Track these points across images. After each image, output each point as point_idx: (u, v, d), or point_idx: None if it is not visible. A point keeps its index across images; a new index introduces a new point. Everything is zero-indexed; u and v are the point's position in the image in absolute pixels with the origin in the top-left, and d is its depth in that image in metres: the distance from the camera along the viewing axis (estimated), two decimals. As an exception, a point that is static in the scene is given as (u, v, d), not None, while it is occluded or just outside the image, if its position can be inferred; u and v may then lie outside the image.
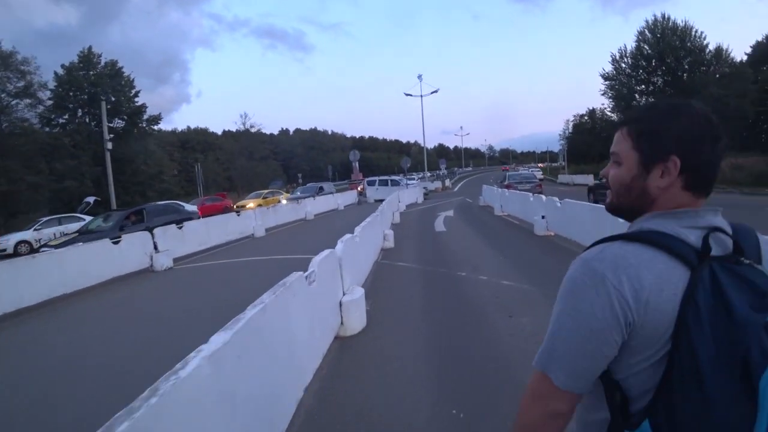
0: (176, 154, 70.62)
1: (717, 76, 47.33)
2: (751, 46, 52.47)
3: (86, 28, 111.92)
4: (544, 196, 11.11)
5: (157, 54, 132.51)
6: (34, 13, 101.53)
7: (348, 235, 6.16)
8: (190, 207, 15.79)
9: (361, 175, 26.85)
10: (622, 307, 0.73)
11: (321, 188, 23.85)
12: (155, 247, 10.44)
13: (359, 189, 28.66)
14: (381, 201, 17.07)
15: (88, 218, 15.62)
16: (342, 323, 4.75)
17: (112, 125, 33.36)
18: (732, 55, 50.14)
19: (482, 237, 11.33)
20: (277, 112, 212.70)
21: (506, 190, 15.65)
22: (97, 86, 34.83)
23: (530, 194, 12.15)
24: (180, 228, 11.81)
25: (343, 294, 4.94)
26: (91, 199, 19.21)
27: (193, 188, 55.19)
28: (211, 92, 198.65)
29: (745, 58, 51.74)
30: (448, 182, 42.43)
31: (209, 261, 11.18)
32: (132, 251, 10.06)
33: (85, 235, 11.82)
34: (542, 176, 22.35)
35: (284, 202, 20.69)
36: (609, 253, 0.78)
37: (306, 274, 3.83)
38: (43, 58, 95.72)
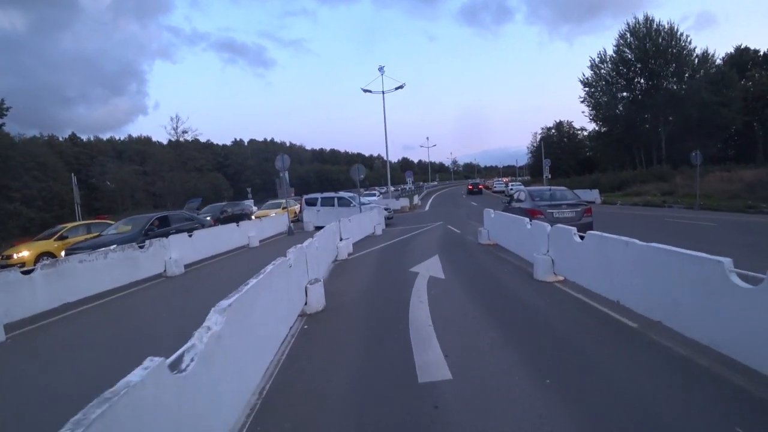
0: (109, 165, 58.94)
1: (706, 82, 41.22)
2: (721, 58, 46.31)
3: (35, 35, 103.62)
4: None
5: (112, 64, 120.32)
6: None
7: None
8: None
9: (292, 190, 17.56)
10: None
11: (152, 226, 11.38)
12: None
13: (295, 210, 19.41)
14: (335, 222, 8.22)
15: None
16: None
17: None
18: (717, 61, 44.46)
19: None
20: (237, 125, 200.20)
21: (558, 225, 6.84)
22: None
23: None
24: None
25: None
26: None
27: (106, 206, 44.02)
28: (169, 104, 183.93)
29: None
30: (416, 199, 33.56)
31: None
32: None
33: None
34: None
35: (63, 255, 9.61)
36: None
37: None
38: None
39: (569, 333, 4.63)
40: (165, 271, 10.09)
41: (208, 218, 15.57)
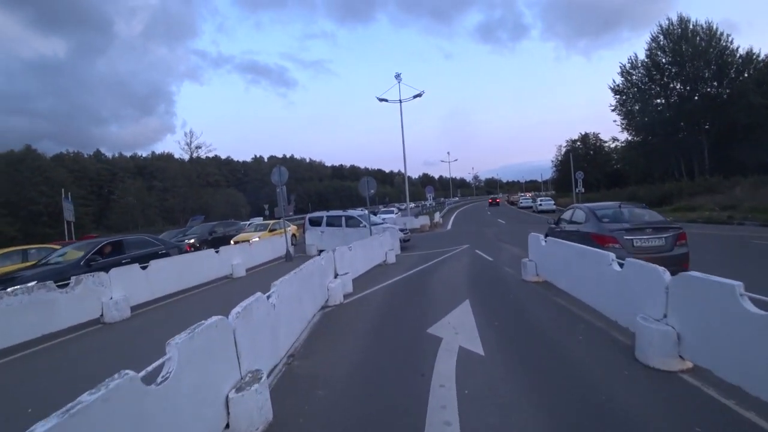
0: (127, 181, 58.11)
1: (753, 84, 36.96)
2: (762, 60, 41.08)
3: (74, 59, 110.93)
4: None
5: (142, 86, 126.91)
6: (23, 45, 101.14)
7: None
8: None
9: (291, 209, 14.89)
10: None
11: (97, 255, 8.65)
12: None
13: (294, 231, 16.73)
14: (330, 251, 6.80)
15: None
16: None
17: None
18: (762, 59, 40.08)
19: None
20: (259, 142, 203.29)
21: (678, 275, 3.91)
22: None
23: None
24: None
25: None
26: None
27: (119, 222, 42.52)
28: (196, 123, 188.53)
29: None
30: (438, 217, 30.45)
31: None
32: None
33: None
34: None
35: None
36: None
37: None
38: (30, 86, 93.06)
39: None
40: (102, 315, 7.48)
41: (192, 240, 12.99)
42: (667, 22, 41.08)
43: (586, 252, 5.68)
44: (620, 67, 44.84)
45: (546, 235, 8.45)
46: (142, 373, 2.29)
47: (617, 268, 4.86)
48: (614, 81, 45.28)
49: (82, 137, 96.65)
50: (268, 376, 4.04)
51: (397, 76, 27.86)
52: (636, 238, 6.82)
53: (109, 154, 72.62)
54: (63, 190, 19.88)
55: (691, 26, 39.71)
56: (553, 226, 9.88)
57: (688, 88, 40.74)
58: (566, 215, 9.45)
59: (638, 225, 7.06)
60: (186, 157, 55.92)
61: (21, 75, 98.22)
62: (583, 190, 32.40)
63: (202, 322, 2.96)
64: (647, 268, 4.20)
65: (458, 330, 5.28)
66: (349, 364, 4.53)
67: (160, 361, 2.50)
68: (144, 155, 76.91)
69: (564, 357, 4.34)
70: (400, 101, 27.96)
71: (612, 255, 5.03)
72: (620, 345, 4.49)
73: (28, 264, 9.81)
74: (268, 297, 4.32)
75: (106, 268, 8.05)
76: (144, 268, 8.56)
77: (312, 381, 4.11)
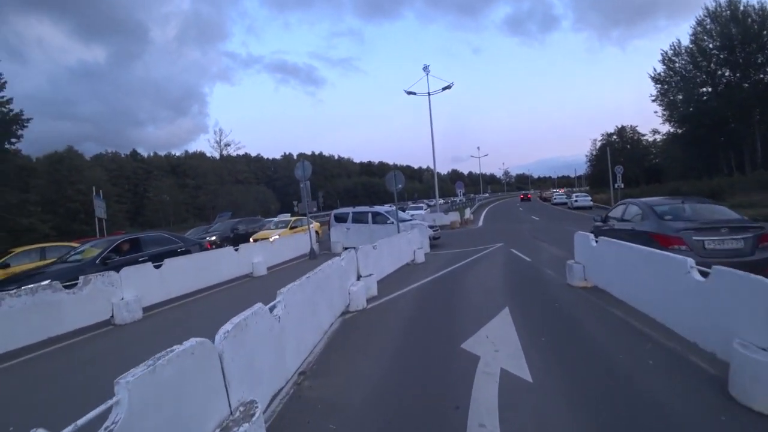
0: (162, 179, 59.65)
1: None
2: None
3: (114, 66, 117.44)
4: None
5: (177, 88, 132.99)
6: (67, 54, 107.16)
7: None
8: None
9: (314, 205, 14.32)
10: None
11: (113, 253, 8.20)
12: None
13: (316, 229, 16.18)
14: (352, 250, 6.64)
15: None
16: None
17: None
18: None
19: None
20: (289, 140, 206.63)
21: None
22: None
23: None
24: None
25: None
26: None
27: (152, 220, 43.44)
28: (228, 123, 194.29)
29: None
30: (468, 213, 29.27)
31: None
32: None
33: None
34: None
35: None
36: None
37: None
38: (74, 92, 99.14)
39: None
40: (113, 317, 7.06)
41: (213, 237, 12.62)
42: (714, 3, 38.23)
43: (654, 256, 4.71)
44: (661, 54, 42.21)
45: (593, 234, 7.46)
46: (69, 429, 1.64)
47: (698, 277, 3.91)
48: (655, 69, 42.67)
49: (121, 138, 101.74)
50: (270, 403, 3.39)
51: (425, 68, 26.95)
52: (708, 239, 5.77)
53: (144, 154, 74.74)
54: (94, 187, 20.09)
55: (741, 8, 36.80)
56: (600, 224, 8.85)
57: (738, 75, 37.86)
58: (616, 212, 8.40)
59: (709, 223, 6.00)
60: (216, 155, 56.80)
61: (66, 82, 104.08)
62: (622, 186, 30.52)
63: (173, 348, 2.29)
64: (748, 281, 3.25)
65: (498, 346, 4.46)
66: (369, 387, 3.79)
67: (103, 407, 1.84)
68: (178, 154, 78.73)
69: (634, 387, 3.46)
70: (429, 93, 27.06)
71: (690, 261, 4.07)
72: (704, 375, 3.57)
73: (46, 262, 9.62)
74: (272, 308, 3.63)
75: (122, 266, 7.67)
76: (158, 266, 8.13)
77: (323, 409, 3.40)
